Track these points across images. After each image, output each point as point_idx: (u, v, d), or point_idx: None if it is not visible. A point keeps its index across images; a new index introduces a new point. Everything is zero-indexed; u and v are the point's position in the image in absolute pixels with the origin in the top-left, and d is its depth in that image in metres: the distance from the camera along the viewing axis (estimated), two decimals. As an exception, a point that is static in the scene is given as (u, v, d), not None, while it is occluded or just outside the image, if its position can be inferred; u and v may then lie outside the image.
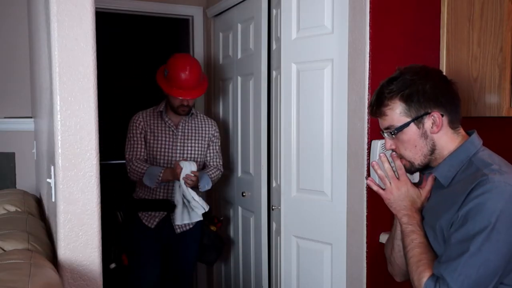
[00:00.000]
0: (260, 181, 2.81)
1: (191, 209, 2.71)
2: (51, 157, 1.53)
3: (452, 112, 1.33)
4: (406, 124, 1.33)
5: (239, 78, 3.13)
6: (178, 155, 2.75)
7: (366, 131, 1.97)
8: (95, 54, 1.43)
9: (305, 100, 2.30)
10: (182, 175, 2.59)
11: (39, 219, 1.95)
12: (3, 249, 1.41)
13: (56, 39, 1.37)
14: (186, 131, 2.80)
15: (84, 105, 1.42)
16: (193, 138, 2.80)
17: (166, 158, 2.73)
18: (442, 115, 1.32)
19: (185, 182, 2.61)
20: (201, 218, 2.75)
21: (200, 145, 2.82)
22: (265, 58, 2.82)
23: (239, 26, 3.09)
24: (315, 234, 2.28)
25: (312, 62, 2.25)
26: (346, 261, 2.11)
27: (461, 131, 1.37)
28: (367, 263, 2.00)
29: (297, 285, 2.39)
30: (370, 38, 1.94)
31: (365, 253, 2.00)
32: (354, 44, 2.01)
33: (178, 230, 2.77)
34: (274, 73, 2.70)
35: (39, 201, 2.34)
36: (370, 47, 1.94)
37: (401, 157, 1.39)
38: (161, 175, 2.63)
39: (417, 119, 1.32)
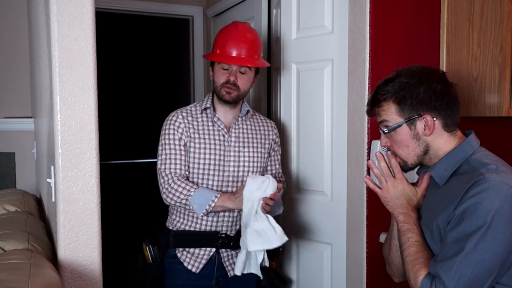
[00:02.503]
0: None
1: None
2: (51, 157, 1.53)
3: (447, 116, 1.33)
4: (399, 125, 1.35)
5: (239, 78, 3.13)
6: (231, 168, 2.00)
7: (366, 131, 1.97)
8: (95, 54, 1.43)
9: (305, 100, 2.30)
10: (257, 195, 1.83)
11: (39, 219, 1.95)
12: (3, 249, 1.41)
13: (56, 39, 1.37)
14: (241, 135, 2.05)
15: (84, 105, 1.42)
16: (250, 144, 2.05)
17: (215, 173, 1.99)
18: (435, 119, 1.32)
19: (262, 208, 1.84)
20: (266, 263, 1.94)
21: (259, 154, 2.07)
22: (265, 58, 2.81)
23: (239, 26, 3.09)
24: (315, 234, 2.28)
25: (312, 62, 2.25)
26: (346, 261, 2.11)
27: (459, 133, 1.37)
28: (367, 263, 2.00)
29: (297, 285, 2.39)
30: (370, 38, 1.94)
31: (365, 253, 2.00)
32: (354, 44, 2.01)
33: (232, 272, 2.02)
34: (274, 73, 2.70)
35: (39, 201, 2.34)
36: (370, 47, 1.94)
37: (395, 155, 1.40)
38: (215, 200, 1.89)
39: (409, 121, 1.33)
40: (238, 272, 1.93)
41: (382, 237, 1.99)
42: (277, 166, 2.16)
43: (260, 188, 1.83)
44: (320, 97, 2.22)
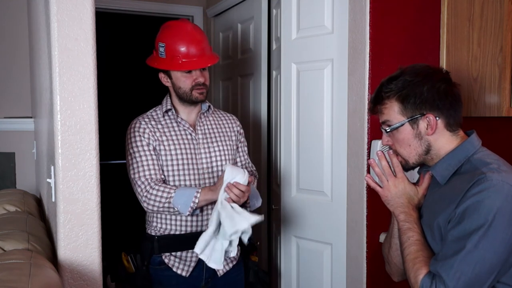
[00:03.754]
0: (260, 181, 2.81)
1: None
2: (51, 157, 1.53)
3: (450, 115, 1.33)
4: (401, 124, 1.34)
5: (239, 78, 3.13)
6: (204, 165, 2.00)
7: (366, 131, 1.97)
8: (95, 54, 1.43)
9: (305, 100, 2.30)
10: (224, 183, 1.81)
11: (39, 219, 1.95)
12: (3, 249, 1.41)
13: (56, 39, 1.37)
14: (207, 131, 2.06)
15: (84, 105, 1.42)
16: (218, 138, 2.07)
17: (190, 172, 1.97)
18: (437, 118, 1.32)
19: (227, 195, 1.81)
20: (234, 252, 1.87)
21: (228, 146, 2.08)
22: (265, 58, 2.82)
23: (239, 26, 3.09)
24: (315, 234, 2.28)
25: (312, 62, 2.25)
26: (346, 261, 2.11)
27: (461, 133, 1.37)
28: (367, 263, 2.00)
29: (297, 285, 2.39)
30: (370, 38, 1.94)
31: (365, 253, 2.00)
32: (354, 44, 2.01)
33: (221, 272, 2.00)
34: (274, 73, 2.70)
35: (39, 201, 2.34)
36: (370, 47, 1.94)
37: (396, 154, 1.40)
38: (198, 195, 1.86)
39: (412, 120, 1.33)
40: (198, 251, 1.82)
41: (382, 237, 1.99)
42: (246, 157, 2.17)
43: (231, 176, 1.80)
44: (320, 97, 2.21)
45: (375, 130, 1.96)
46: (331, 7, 2.14)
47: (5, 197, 2.11)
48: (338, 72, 2.12)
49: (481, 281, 1.18)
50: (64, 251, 1.42)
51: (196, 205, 1.86)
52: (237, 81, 3.15)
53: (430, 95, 1.31)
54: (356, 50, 2.00)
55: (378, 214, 1.97)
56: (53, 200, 1.48)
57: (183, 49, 1.94)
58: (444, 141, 1.34)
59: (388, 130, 1.37)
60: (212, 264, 1.83)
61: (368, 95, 1.95)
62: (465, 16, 2.03)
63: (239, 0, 3.04)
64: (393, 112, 1.35)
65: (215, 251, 1.82)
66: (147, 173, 1.92)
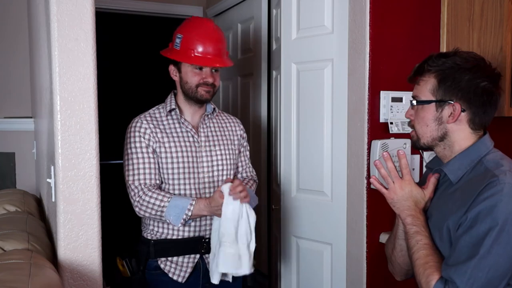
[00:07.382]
0: (260, 181, 2.81)
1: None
2: (51, 157, 1.53)
3: (477, 113, 1.31)
4: (428, 102, 1.33)
5: (239, 78, 3.13)
6: (205, 168, 1.94)
7: (366, 131, 1.97)
8: (95, 54, 1.43)
9: (305, 100, 2.30)
10: (236, 219, 1.77)
11: (39, 219, 1.95)
12: (3, 249, 1.41)
13: (56, 39, 1.37)
14: (209, 134, 2.00)
15: (84, 105, 1.42)
16: (220, 142, 2.01)
17: (190, 175, 1.92)
18: (464, 110, 1.31)
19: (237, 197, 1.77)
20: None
21: (230, 151, 2.03)
22: (265, 58, 2.82)
23: (239, 26, 3.09)
24: (315, 234, 2.28)
25: (312, 62, 2.25)
26: (346, 261, 2.11)
27: (481, 134, 1.35)
28: (367, 263, 2.00)
29: (297, 285, 2.39)
30: (370, 38, 1.94)
31: (365, 253, 2.00)
32: (354, 44, 2.01)
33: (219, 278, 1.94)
34: (274, 73, 2.70)
35: (39, 201, 2.34)
36: (370, 47, 1.94)
37: (413, 127, 1.40)
38: (191, 208, 1.83)
39: (439, 103, 1.32)
40: (216, 281, 1.83)
41: (382, 237, 1.99)
42: (247, 161, 2.14)
43: (241, 212, 1.77)
44: (320, 97, 2.21)
45: (375, 130, 1.96)
46: (331, 7, 2.14)
47: (5, 197, 2.11)
48: (338, 72, 2.12)
49: (494, 286, 1.17)
50: (64, 251, 1.42)
51: (188, 217, 1.83)
52: (237, 81, 3.15)
53: (467, 86, 1.29)
54: (356, 50, 2.00)
55: (378, 214, 1.97)
56: (53, 200, 1.48)
57: (199, 44, 1.89)
58: (462, 135, 1.33)
59: (415, 104, 1.36)
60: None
61: (368, 95, 1.95)
62: (465, 16, 2.03)
63: (239, 0, 3.05)
64: (426, 89, 1.34)
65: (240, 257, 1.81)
66: (141, 177, 1.86)
